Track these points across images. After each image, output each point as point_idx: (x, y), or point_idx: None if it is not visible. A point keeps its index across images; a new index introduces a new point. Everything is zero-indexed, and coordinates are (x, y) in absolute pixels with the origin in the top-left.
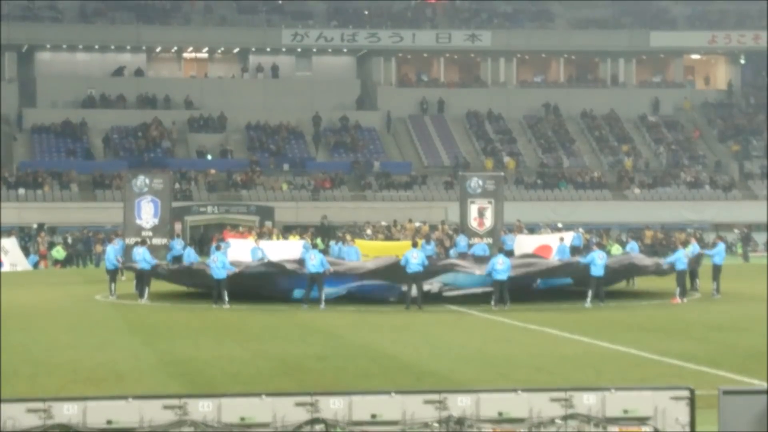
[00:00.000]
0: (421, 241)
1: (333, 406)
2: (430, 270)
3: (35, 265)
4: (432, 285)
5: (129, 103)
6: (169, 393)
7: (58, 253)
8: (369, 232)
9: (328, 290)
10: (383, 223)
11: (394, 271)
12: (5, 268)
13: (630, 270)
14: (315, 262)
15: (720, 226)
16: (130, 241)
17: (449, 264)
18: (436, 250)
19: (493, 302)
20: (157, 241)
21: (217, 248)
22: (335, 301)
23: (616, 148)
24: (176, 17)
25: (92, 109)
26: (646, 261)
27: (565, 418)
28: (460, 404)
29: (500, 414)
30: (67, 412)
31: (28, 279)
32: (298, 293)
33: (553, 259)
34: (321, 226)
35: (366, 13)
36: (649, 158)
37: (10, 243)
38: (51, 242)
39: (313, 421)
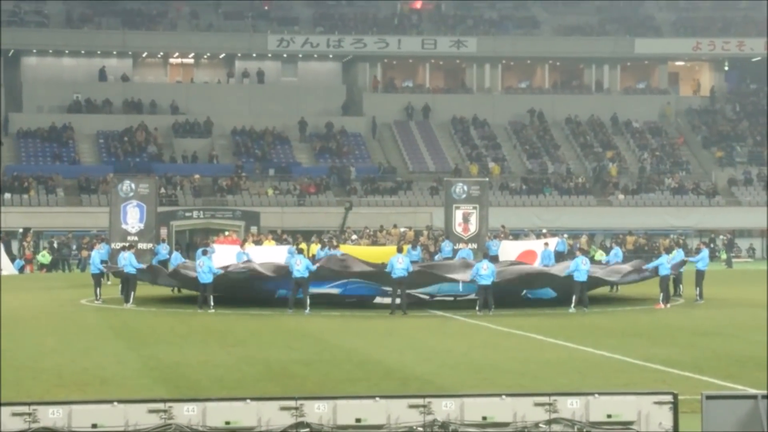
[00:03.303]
0: (406, 247)
1: (318, 411)
2: (416, 281)
3: (21, 270)
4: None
5: (115, 108)
6: (154, 397)
7: (44, 257)
8: (354, 237)
9: (313, 290)
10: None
11: (379, 277)
12: None
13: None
14: (300, 268)
15: (704, 232)
16: (116, 245)
17: (433, 275)
18: (422, 256)
19: (477, 307)
20: (143, 245)
21: (204, 253)
22: (320, 306)
23: (600, 154)
24: (162, 23)
25: (78, 114)
26: (629, 273)
27: (549, 422)
28: (445, 409)
29: (484, 418)
30: (52, 416)
31: (13, 284)
32: (282, 293)
33: (537, 265)
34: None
35: (352, 19)
36: (633, 164)
37: None
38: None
39: (298, 425)
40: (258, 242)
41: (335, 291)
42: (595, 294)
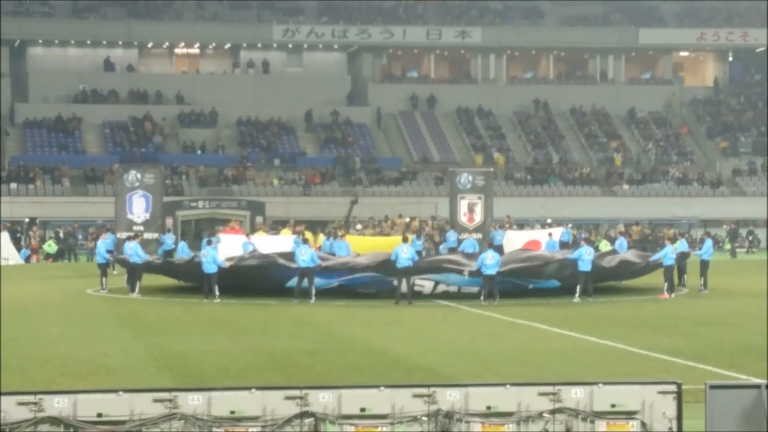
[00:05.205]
0: (411, 237)
1: (322, 400)
2: (421, 267)
3: (27, 259)
4: (424, 287)
5: (121, 98)
6: (160, 386)
7: (50, 247)
8: (359, 227)
9: (318, 281)
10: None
11: (385, 266)
12: None
13: (621, 269)
14: (305, 257)
15: (708, 222)
16: (122, 235)
17: (439, 262)
18: (426, 246)
19: (482, 297)
20: (149, 235)
21: (208, 243)
22: (325, 295)
23: (605, 144)
24: (168, 13)
25: (84, 104)
26: (636, 260)
27: (553, 412)
28: (449, 398)
29: (489, 408)
30: (57, 405)
31: (19, 273)
32: (291, 283)
33: (542, 252)
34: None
35: (357, 9)
36: (638, 154)
37: (2, 237)
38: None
39: (303, 415)
40: (276, 233)
41: (335, 283)
42: (600, 284)
